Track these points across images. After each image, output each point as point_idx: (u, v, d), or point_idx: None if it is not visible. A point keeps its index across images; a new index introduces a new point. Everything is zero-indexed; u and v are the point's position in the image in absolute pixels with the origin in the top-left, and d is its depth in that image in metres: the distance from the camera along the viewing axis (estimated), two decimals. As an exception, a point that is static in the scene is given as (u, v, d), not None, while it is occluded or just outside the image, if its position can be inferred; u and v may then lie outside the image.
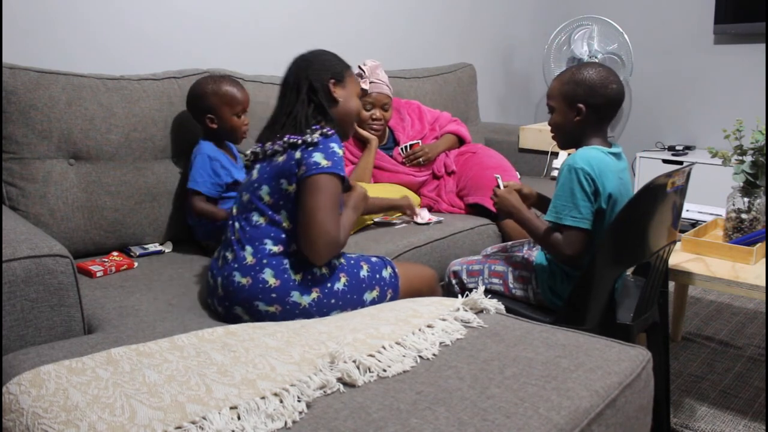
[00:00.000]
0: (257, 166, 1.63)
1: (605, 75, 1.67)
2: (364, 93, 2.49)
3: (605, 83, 1.65)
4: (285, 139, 1.57)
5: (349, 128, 1.74)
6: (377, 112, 2.51)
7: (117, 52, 2.31)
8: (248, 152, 1.68)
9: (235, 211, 1.66)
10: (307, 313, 1.54)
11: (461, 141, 2.73)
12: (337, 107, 1.66)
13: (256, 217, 1.58)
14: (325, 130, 1.55)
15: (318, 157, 1.52)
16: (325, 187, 1.51)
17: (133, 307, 1.60)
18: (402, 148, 2.54)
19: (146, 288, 1.74)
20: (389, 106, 2.56)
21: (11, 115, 1.82)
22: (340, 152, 1.55)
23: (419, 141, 2.55)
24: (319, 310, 1.55)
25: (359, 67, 2.52)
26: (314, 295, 1.55)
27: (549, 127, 1.78)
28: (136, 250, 2.01)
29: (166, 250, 2.06)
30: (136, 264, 1.92)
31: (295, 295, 1.53)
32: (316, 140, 1.53)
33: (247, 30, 2.67)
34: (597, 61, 3.63)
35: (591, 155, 1.62)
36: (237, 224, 1.62)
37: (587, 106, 1.66)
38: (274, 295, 1.53)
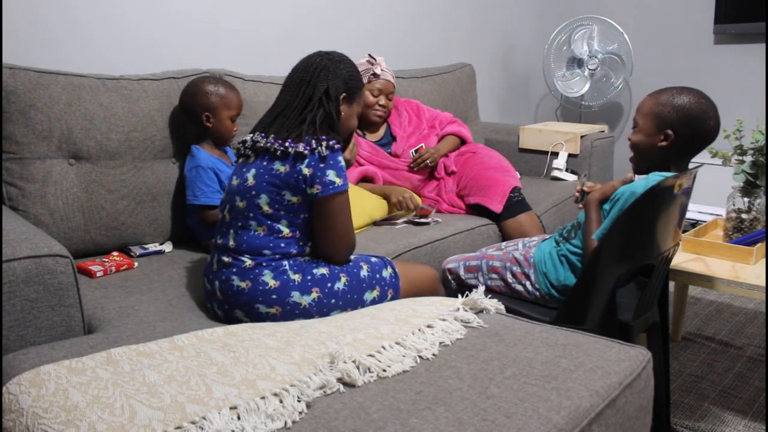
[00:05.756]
0: (252, 169, 1.56)
1: (705, 108, 1.58)
2: (374, 77, 2.51)
3: (703, 117, 1.57)
4: (288, 144, 1.52)
5: (344, 144, 1.71)
6: (383, 99, 2.54)
7: (117, 53, 2.30)
8: (247, 139, 1.61)
9: (227, 215, 1.60)
10: (307, 313, 1.53)
11: (462, 141, 2.73)
12: (339, 121, 1.63)
13: (254, 227, 1.55)
14: (331, 143, 1.52)
15: (332, 175, 1.52)
16: (344, 205, 1.57)
17: (133, 307, 1.60)
18: (411, 153, 2.55)
19: (146, 288, 1.74)
20: (393, 97, 2.59)
21: (11, 115, 1.82)
22: (344, 164, 1.57)
23: (422, 144, 2.55)
24: (320, 310, 1.55)
25: (369, 55, 2.55)
26: (314, 295, 1.54)
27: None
28: (136, 250, 2.02)
29: (166, 250, 2.06)
30: (136, 264, 1.92)
31: (296, 296, 1.53)
32: (325, 154, 1.51)
33: (247, 31, 2.67)
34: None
35: None
36: (232, 231, 1.57)
37: (676, 134, 1.59)
38: (274, 297, 1.52)
